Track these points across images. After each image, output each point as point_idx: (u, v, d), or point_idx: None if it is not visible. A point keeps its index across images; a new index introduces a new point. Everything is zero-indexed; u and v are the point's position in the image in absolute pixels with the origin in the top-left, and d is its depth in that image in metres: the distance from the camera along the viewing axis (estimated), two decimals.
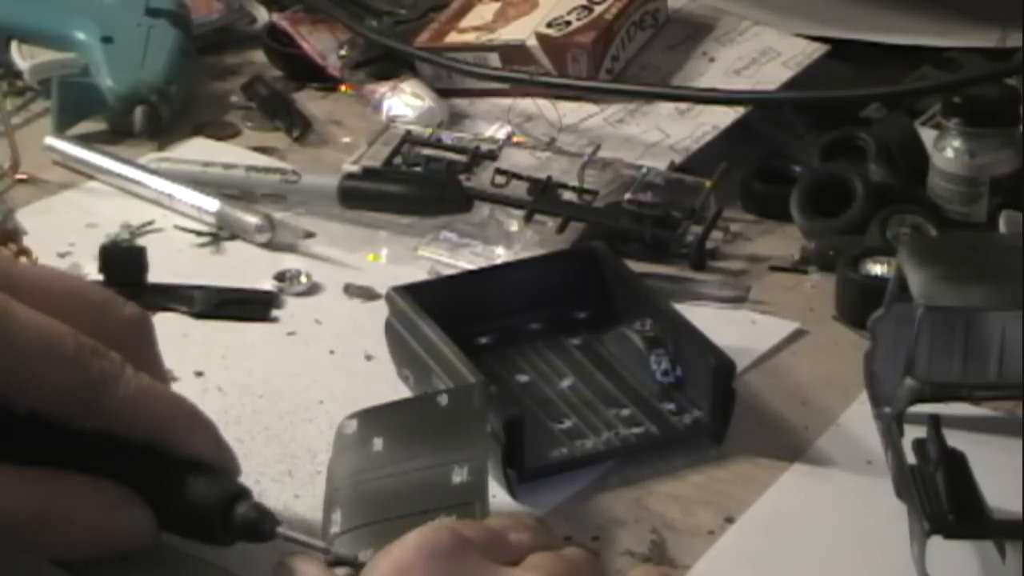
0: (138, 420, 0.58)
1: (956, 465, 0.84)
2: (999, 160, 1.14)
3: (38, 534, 0.57)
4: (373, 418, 0.80)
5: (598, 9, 1.33)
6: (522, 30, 1.33)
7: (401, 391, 0.97)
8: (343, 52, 1.40)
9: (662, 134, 1.25)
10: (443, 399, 0.75)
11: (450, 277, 1.07)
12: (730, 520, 0.88)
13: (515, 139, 1.26)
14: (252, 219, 1.17)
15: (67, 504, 0.56)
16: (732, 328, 1.04)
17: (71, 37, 1.39)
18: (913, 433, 0.87)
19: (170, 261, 1.13)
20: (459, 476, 0.71)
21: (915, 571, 0.81)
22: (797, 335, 1.05)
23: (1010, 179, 1.14)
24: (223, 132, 1.36)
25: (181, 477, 0.65)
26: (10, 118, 1.34)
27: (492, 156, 1.22)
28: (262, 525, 0.71)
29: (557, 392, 0.97)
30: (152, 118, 1.32)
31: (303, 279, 1.11)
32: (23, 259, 1.07)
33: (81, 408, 0.56)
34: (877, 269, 1.06)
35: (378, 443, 0.76)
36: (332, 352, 1.03)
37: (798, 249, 1.14)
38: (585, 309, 1.04)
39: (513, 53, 1.32)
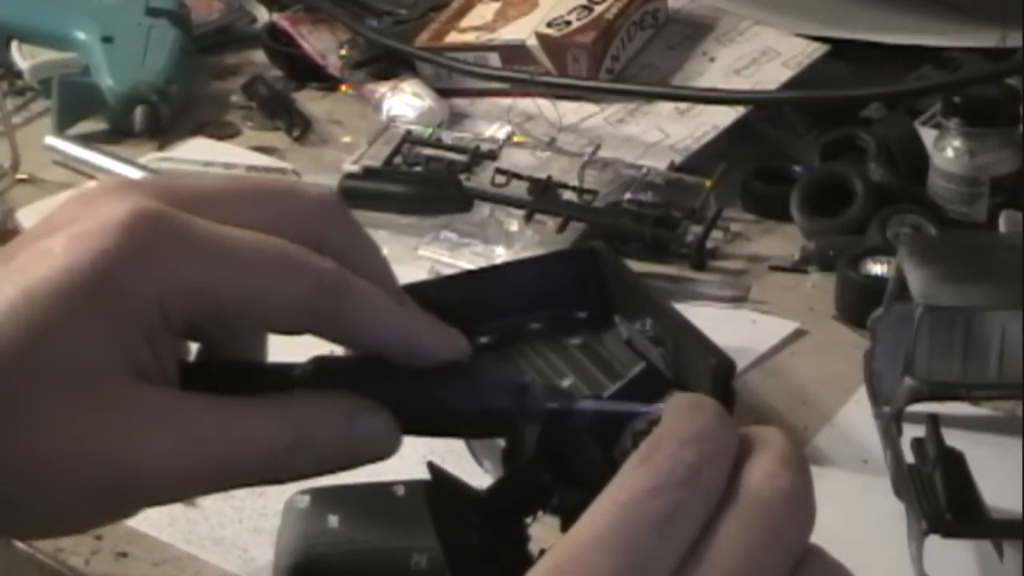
0: (374, 327, 0.56)
1: (954, 464, 0.84)
2: (999, 160, 1.14)
3: (290, 460, 0.54)
4: (327, 496, 0.78)
5: (598, 9, 1.33)
6: (522, 30, 1.33)
7: None
8: (343, 52, 1.40)
9: (662, 134, 1.25)
10: (399, 490, 0.73)
11: (450, 277, 1.07)
12: None
13: (515, 139, 1.26)
14: None
15: (311, 425, 0.54)
16: (732, 328, 1.04)
17: (71, 37, 1.39)
18: (912, 432, 0.87)
19: None
20: (418, 564, 0.70)
21: (913, 570, 0.81)
22: (797, 335, 1.05)
23: (1010, 179, 1.14)
24: (223, 132, 1.36)
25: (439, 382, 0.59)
26: (10, 118, 1.34)
27: (492, 156, 1.22)
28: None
29: None
30: (152, 118, 1.32)
31: None
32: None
33: (316, 318, 0.54)
34: (877, 269, 1.06)
35: (333, 520, 0.75)
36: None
37: (798, 249, 1.14)
38: (585, 309, 1.04)
39: (513, 53, 1.32)
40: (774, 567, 0.47)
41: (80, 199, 0.54)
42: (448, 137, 1.26)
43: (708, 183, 1.17)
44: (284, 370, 0.58)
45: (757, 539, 0.46)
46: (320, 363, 0.59)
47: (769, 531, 0.47)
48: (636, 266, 1.08)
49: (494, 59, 1.33)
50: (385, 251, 1.18)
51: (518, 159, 1.22)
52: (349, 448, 0.55)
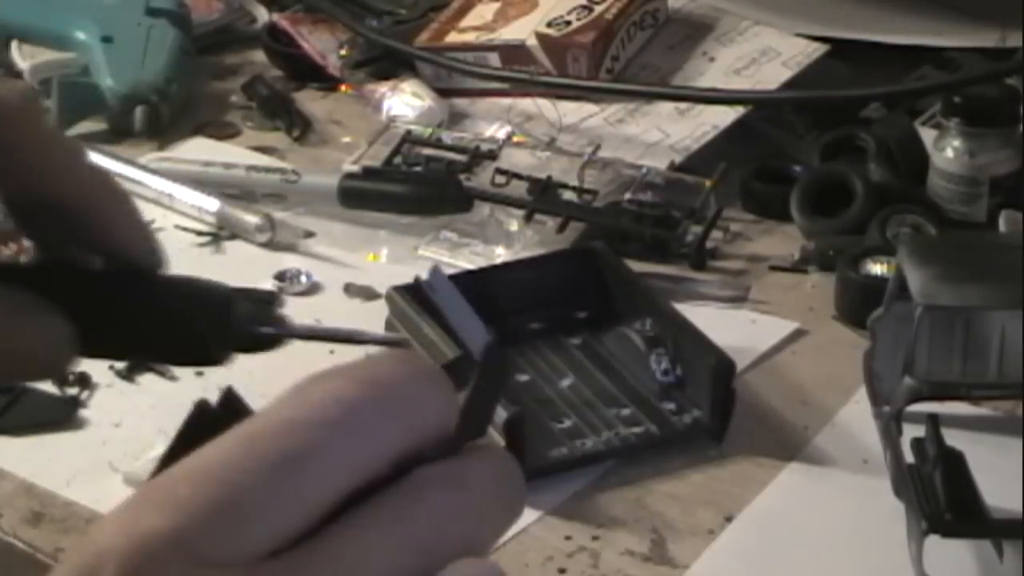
0: (49, 175, 0.47)
1: (954, 464, 0.84)
2: (999, 160, 1.14)
3: None
4: None
5: (598, 9, 1.33)
6: (522, 30, 1.33)
7: None
8: (343, 52, 1.40)
9: (662, 134, 1.25)
10: None
11: (450, 277, 1.07)
12: (730, 519, 0.88)
13: (515, 139, 1.26)
14: (252, 219, 1.17)
15: None
16: (732, 328, 1.04)
17: (71, 37, 1.39)
18: (912, 432, 0.87)
19: (170, 261, 1.13)
20: None
21: (912, 570, 0.81)
22: (797, 335, 1.05)
23: (1010, 179, 1.14)
24: (223, 132, 1.36)
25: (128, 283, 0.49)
26: None
27: (492, 156, 1.22)
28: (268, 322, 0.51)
29: (557, 392, 0.97)
30: (152, 118, 1.32)
31: (303, 279, 1.12)
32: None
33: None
34: (877, 269, 1.06)
35: None
36: (332, 352, 1.03)
37: (798, 249, 1.14)
38: (585, 309, 1.04)
39: (513, 53, 1.32)
40: (402, 569, 0.39)
41: None
42: (448, 137, 1.26)
43: (708, 183, 1.17)
44: None
45: (402, 534, 0.39)
46: None
47: (403, 522, 0.39)
48: (636, 266, 1.08)
49: (494, 59, 1.33)
50: (385, 251, 1.19)
51: (518, 159, 1.22)
52: (13, 352, 0.47)
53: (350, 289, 1.11)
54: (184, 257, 1.15)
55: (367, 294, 1.10)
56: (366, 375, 0.40)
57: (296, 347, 0.97)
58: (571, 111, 1.29)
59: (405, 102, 1.32)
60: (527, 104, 1.31)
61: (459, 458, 0.41)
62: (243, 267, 1.14)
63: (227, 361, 0.49)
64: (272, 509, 0.37)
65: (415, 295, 0.98)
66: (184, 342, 0.48)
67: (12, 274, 0.48)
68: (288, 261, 1.14)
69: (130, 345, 0.49)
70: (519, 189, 1.19)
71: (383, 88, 1.35)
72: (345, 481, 0.38)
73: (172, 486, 0.37)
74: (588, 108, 1.29)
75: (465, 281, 1.05)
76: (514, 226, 1.17)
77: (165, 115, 1.34)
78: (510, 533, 0.87)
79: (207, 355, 0.49)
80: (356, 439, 0.38)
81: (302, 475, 0.37)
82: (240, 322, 0.49)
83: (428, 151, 1.25)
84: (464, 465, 0.41)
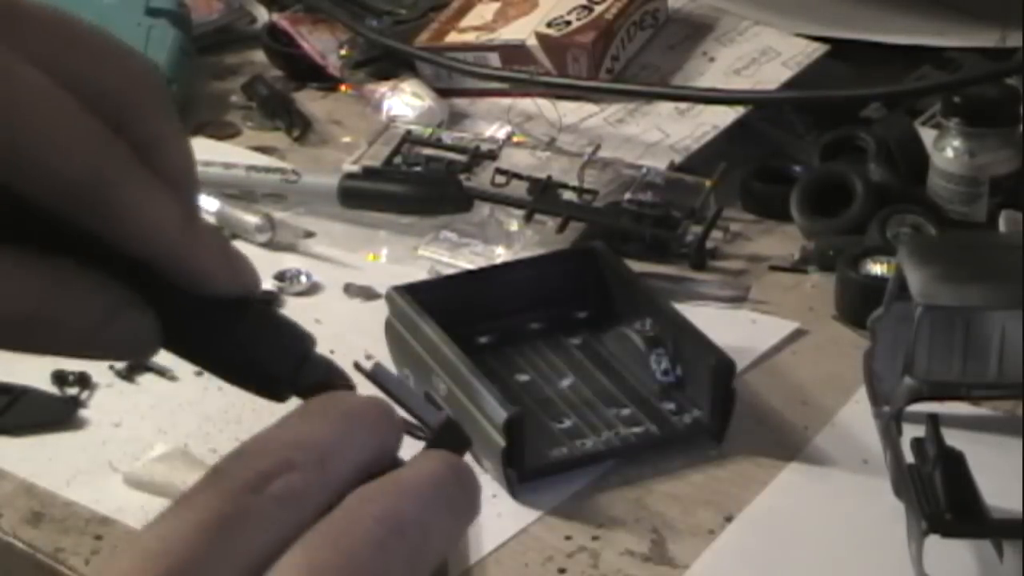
0: (145, 231, 0.49)
1: (954, 464, 0.84)
2: (999, 160, 1.14)
3: (27, 333, 0.48)
4: None
5: (598, 9, 1.33)
6: (522, 30, 1.33)
7: None
8: (343, 52, 1.40)
9: (662, 134, 1.25)
10: None
11: (450, 277, 1.08)
12: (730, 519, 0.88)
13: (515, 139, 1.26)
14: (252, 219, 1.17)
15: (60, 306, 0.49)
16: (732, 328, 1.04)
17: None
18: (912, 432, 0.87)
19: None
20: None
21: (913, 570, 0.81)
22: (797, 335, 1.05)
23: (1010, 179, 1.14)
24: (223, 132, 1.36)
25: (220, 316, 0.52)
26: None
27: (492, 156, 1.22)
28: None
29: (557, 392, 0.97)
30: None
31: (303, 279, 1.12)
32: None
33: (79, 202, 0.48)
34: (877, 269, 1.06)
35: None
36: (332, 352, 1.02)
37: (798, 249, 1.14)
38: (585, 309, 1.04)
39: (513, 53, 1.32)
40: None
41: None
42: (448, 137, 1.26)
43: (708, 183, 1.17)
44: (57, 232, 0.50)
45: (325, 561, 0.41)
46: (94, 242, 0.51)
47: (340, 554, 0.41)
48: (636, 266, 1.08)
49: (494, 59, 1.33)
50: (385, 251, 1.19)
51: (518, 159, 1.22)
52: (99, 339, 0.49)
53: (350, 289, 1.11)
54: None
55: (367, 294, 1.10)
56: (286, 439, 0.43)
57: None
58: (571, 111, 1.29)
59: (405, 102, 1.32)
60: (527, 104, 1.31)
61: (396, 472, 0.43)
62: None
63: (287, 399, 0.52)
64: (210, 571, 0.40)
65: (415, 295, 0.98)
66: (256, 379, 0.51)
67: (112, 262, 0.50)
68: (288, 261, 1.14)
69: (204, 363, 0.52)
70: (519, 189, 1.19)
71: (383, 88, 1.35)
72: (279, 538, 0.41)
73: (117, 564, 0.40)
74: (588, 108, 1.29)
75: (465, 281, 1.05)
76: (514, 226, 1.17)
77: None
78: (510, 533, 0.88)
79: (274, 394, 0.52)
80: (277, 500, 0.41)
81: (232, 537, 0.40)
82: (313, 371, 0.51)
83: (428, 151, 1.25)
84: (399, 477, 0.43)
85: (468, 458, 0.61)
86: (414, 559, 0.42)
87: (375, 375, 0.50)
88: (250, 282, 0.50)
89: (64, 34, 0.49)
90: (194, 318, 0.51)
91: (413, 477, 0.43)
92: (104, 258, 0.50)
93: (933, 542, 0.80)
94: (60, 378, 1.01)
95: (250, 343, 0.51)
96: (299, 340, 0.52)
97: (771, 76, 1.28)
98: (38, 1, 0.49)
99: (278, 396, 0.51)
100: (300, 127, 1.35)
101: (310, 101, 1.40)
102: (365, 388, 0.50)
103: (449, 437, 0.46)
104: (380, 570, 0.41)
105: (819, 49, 1.30)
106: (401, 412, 0.47)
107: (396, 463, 0.44)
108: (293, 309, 1.09)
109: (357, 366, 0.52)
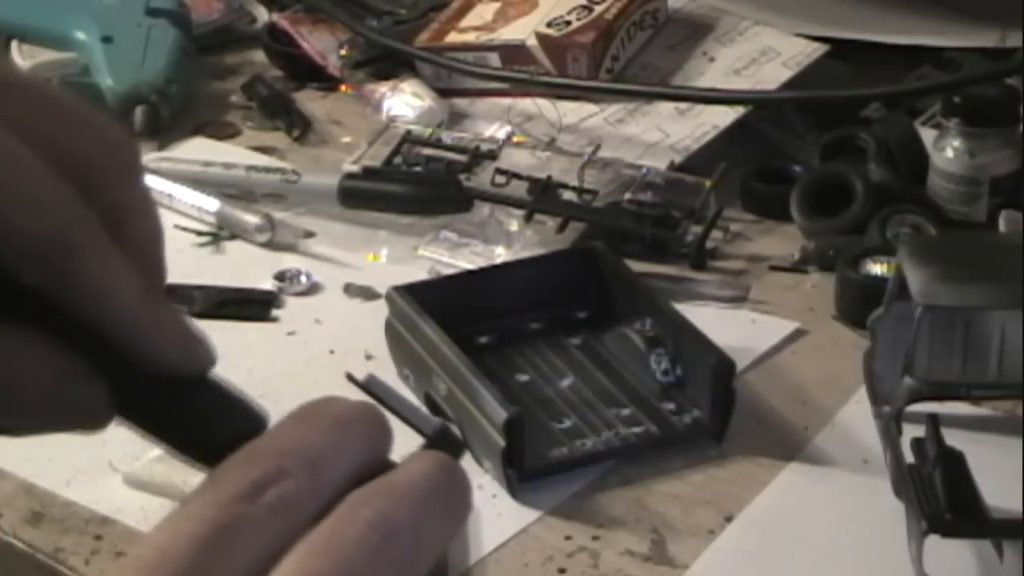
0: (104, 305, 0.49)
1: (954, 464, 0.84)
2: (999, 160, 1.14)
3: None
4: None
5: (598, 9, 1.33)
6: (522, 30, 1.33)
7: (402, 391, 0.97)
8: (343, 52, 1.40)
9: (662, 134, 1.25)
10: None
11: (450, 277, 1.08)
12: (730, 519, 0.88)
13: (515, 139, 1.26)
14: (252, 219, 1.17)
15: (14, 373, 0.48)
16: (732, 328, 1.04)
17: (71, 37, 1.39)
18: (912, 432, 0.87)
19: (170, 261, 1.12)
20: None
21: (912, 570, 0.81)
22: (797, 335, 1.05)
23: (1010, 179, 1.14)
24: (223, 132, 1.36)
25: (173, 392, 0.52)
26: None
27: (492, 156, 1.22)
28: None
29: (557, 392, 0.97)
30: (152, 118, 1.32)
31: (303, 279, 1.12)
32: None
33: (43, 271, 0.48)
34: (877, 269, 1.06)
35: None
36: (332, 352, 1.03)
37: (798, 249, 1.14)
38: (585, 309, 1.04)
39: (513, 53, 1.32)
40: None
41: None
42: (448, 137, 1.26)
43: (708, 183, 1.17)
44: (17, 296, 0.50)
45: (320, 570, 0.41)
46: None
47: (335, 562, 0.41)
48: (636, 266, 1.08)
49: (494, 59, 1.33)
50: (385, 251, 1.19)
51: (518, 159, 1.22)
52: (49, 409, 0.49)
53: (350, 289, 1.11)
54: (184, 257, 1.15)
55: (367, 294, 1.10)
56: (274, 447, 0.44)
57: (296, 347, 0.97)
58: (571, 111, 1.29)
59: (405, 102, 1.32)
60: (527, 104, 1.31)
61: (388, 475, 0.43)
62: (243, 267, 1.14)
63: None
64: None
65: (415, 295, 0.98)
66: (203, 458, 0.50)
67: (63, 325, 0.49)
68: (288, 261, 1.14)
69: (153, 436, 0.52)
70: (519, 189, 1.19)
71: (383, 88, 1.35)
72: (274, 544, 0.41)
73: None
74: (588, 108, 1.29)
75: (465, 281, 1.05)
76: (514, 226, 1.17)
77: (165, 115, 1.34)
78: (510, 533, 0.88)
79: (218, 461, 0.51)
80: (268, 508, 0.42)
81: (230, 546, 0.41)
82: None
83: (428, 151, 1.25)
84: (391, 480, 0.43)
85: (467, 459, 0.61)
86: (408, 562, 0.42)
87: (368, 386, 0.50)
88: (204, 360, 0.50)
89: (42, 100, 0.49)
90: (145, 392, 0.51)
91: (405, 480, 0.43)
92: (61, 325, 0.50)
93: (933, 542, 0.80)
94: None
95: (199, 421, 0.50)
96: (251, 421, 0.51)
97: (771, 76, 1.28)
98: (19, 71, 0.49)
99: (219, 460, 0.50)
100: (300, 127, 1.35)
101: (310, 101, 1.40)
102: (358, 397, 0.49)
103: (444, 444, 0.46)
104: (375, 575, 0.41)
105: (819, 49, 1.30)
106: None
107: (387, 466, 0.44)
108: (293, 309, 1.09)
109: (350, 377, 0.52)
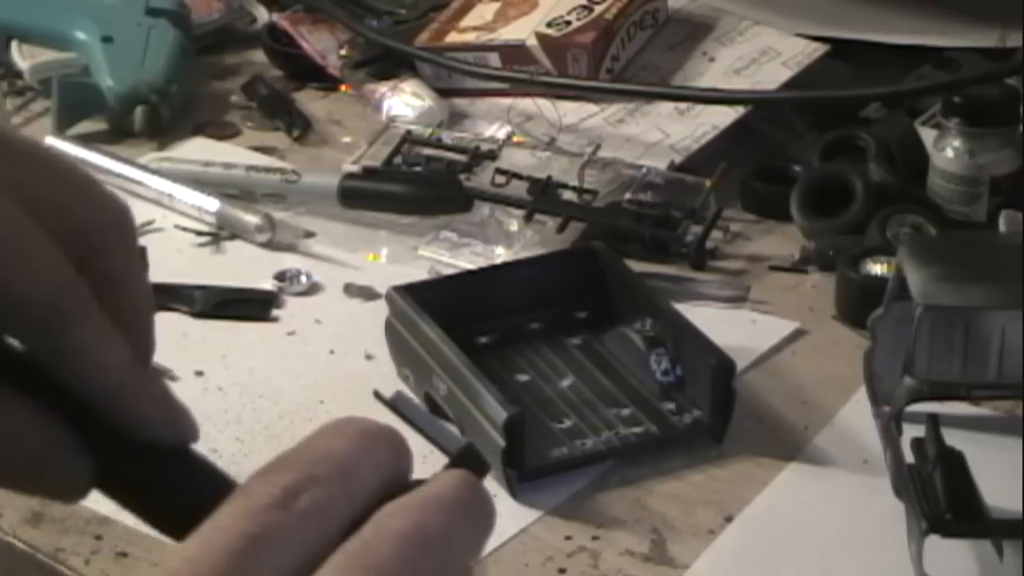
0: (90, 374, 0.49)
1: (954, 464, 0.84)
2: (999, 160, 1.14)
3: None
4: None
5: (598, 9, 1.33)
6: (522, 30, 1.33)
7: (401, 391, 0.97)
8: (343, 52, 1.40)
9: (662, 134, 1.25)
10: None
11: (450, 277, 1.08)
12: (730, 519, 0.88)
13: (515, 139, 1.26)
14: (252, 219, 1.17)
15: (2, 433, 0.48)
16: (732, 328, 1.04)
17: (71, 37, 1.39)
18: (912, 432, 0.87)
19: (170, 261, 1.13)
20: None
21: (912, 570, 0.81)
22: (797, 335, 1.05)
23: (1010, 179, 1.14)
24: (223, 132, 1.36)
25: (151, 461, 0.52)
26: (10, 118, 1.34)
27: (492, 156, 1.22)
28: None
29: (557, 392, 0.98)
30: (152, 118, 1.32)
31: (303, 279, 1.12)
32: None
33: (33, 335, 0.48)
34: (877, 269, 1.06)
35: None
36: (332, 352, 1.03)
37: (798, 249, 1.14)
38: (585, 309, 1.04)
39: (513, 53, 1.32)
40: None
41: None
42: (448, 137, 1.26)
43: (708, 183, 1.17)
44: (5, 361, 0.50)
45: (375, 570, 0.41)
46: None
47: (371, 572, 0.41)
48: (636, 266, 1.08)
49: (494, 59, 1.33)
50: (385, 251, 1.19)
51: (518, 159, 1.22)
52: (30, 476, 0.50)
53: (350, 289, 1.11)
54: (184, 257, 1.15)
55: (367, 294, 1.10)
56: (304, 458, 0.43)
57: (296, 347, 0.97)
58: (571, 111, 1.29)
59: (405, 102, 1.32)
60: (527, 104, 1.30)
61: (418, 489, 0.43)
62: (243, 267, 1.14)
63: None
64: None
65: (415, 295, 0.98)
66: (177, 532, 0.49)
67: (47, 392, 0.50)
68: (288, 261, 1.14)
69: (130, 506, 0.52)
70: (519, 189, 1.19)
71: (383, 88, 1.35)
72: (307, 554, 0.41)
73: None
74: (588, 108, 1.29)
75: (465, 281, 1.05)
76: (514, 226, 1.17)
77: (165, 115, 1.34)
78: (510, 533, 0.88)
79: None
80: (301, 517, 0.42)
81: (263, 554, 0.41)
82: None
83: (428, 151, 1.25)
84: (421, 494, 0.43)
85: None
86: (442, 573, 0.42)
87: (395, 403, 0.50)
88: (187, 432, 0.51)
89: (42, 166, 0.49)
90: (126, 462, 0.51)
91: (435, 492, 0.44)
92: (49, 392, 0.50)
93: (933, 542, 0.80)
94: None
95: (176, 495, 0.50)
96: (215, 478, 0.51)
97: (771, 76, 1.28)
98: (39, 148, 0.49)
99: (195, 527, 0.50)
100: (300, 127, 1.35)
101: (310, 101, 1.40)
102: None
103: (468, 462, 0.46)
104: None
105: (819, 49, 1.30)
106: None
107: (410, 484, 0.44)
108: (293, 309, 1.09)
109: (377, 395, 0.53)
